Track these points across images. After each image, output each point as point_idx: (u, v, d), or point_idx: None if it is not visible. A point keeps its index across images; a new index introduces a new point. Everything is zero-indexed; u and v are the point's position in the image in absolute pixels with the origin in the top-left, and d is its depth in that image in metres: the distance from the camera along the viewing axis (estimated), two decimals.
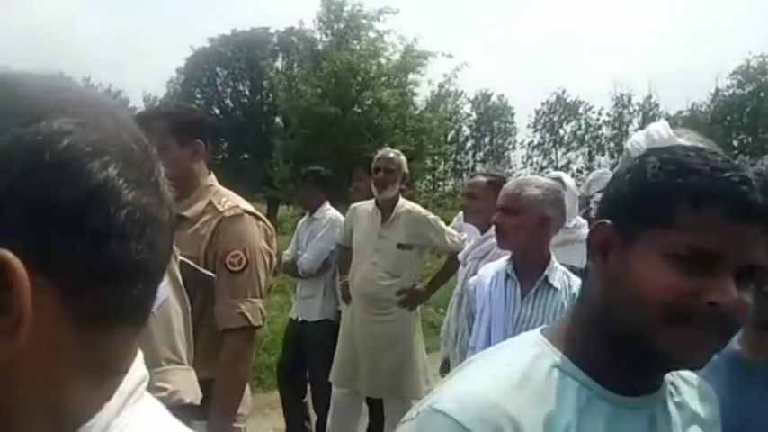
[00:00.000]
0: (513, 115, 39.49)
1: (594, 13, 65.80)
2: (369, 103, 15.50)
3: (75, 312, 0.44)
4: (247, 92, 31.51)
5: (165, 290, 1.47)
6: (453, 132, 32.63)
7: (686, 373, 0.90)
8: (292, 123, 16.83)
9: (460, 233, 3.69)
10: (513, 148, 39.80)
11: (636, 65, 56.46)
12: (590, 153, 37.49)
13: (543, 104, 39.11)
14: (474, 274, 2.89)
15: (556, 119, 38.88)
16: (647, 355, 0.77)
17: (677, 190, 0.74)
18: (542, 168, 37.41)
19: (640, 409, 0.81)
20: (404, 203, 3.65)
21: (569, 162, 37.66)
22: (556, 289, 2.05)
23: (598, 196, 4.16)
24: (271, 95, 26.26)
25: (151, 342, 1.42)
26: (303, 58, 19.18)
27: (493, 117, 39.35)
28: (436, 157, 18.63)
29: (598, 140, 37.36)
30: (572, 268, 3.37)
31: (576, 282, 2.12)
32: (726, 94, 30.15)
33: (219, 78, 31.73)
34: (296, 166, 13.41)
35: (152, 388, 0.53)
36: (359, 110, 15.66)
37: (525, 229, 2.07)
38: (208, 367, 1.83)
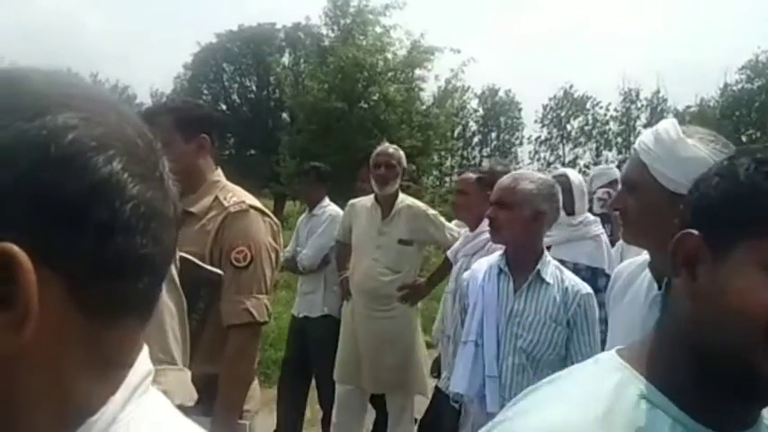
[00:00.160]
0: (520, 110, 39.48)
1: (602, 8, 65.47)
2: (375, 98, 15.49)
3: (80, 305, 0.44)
4: (254, 87, 31.56)
5: None
6: (460, 128, 32.64)
7: None
8: (299, 119, 16.86)
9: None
10: (521, 143, 39.77)
11: (644, 60, 56.15)
12: (597, 148, 37.38)
13: (550, 100, 39.05)
14: (466, 270, 2.94)
15: (563, 114, 38.74)
16: (747, 383, 0.67)
17: None
18: (549, 164, 37.33)
19: None
20: (404, 199, 3.63)
21: (576, 157, 37.60)
22: (548, 283, 2.06)
23: (600, 192, 4.13)
24: (277, 91, 26.30)
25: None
26: (310, 53, 19.20)
27: (500, 112, 39.25)
28: (443, 153, 18.61)
29: (605, 136, 37.22)
30: (576, 266, 3.37)
31: (570, 277, 2.12)
32: (734, 89, 29.98)
33: (226, 74, 31.79)
34: (302, 161, 13.40)
35: None
36: (365, 105, 15.66)
37: (519, 223, 2.07)
38: (213, 363, 1.83)
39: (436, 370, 3.59)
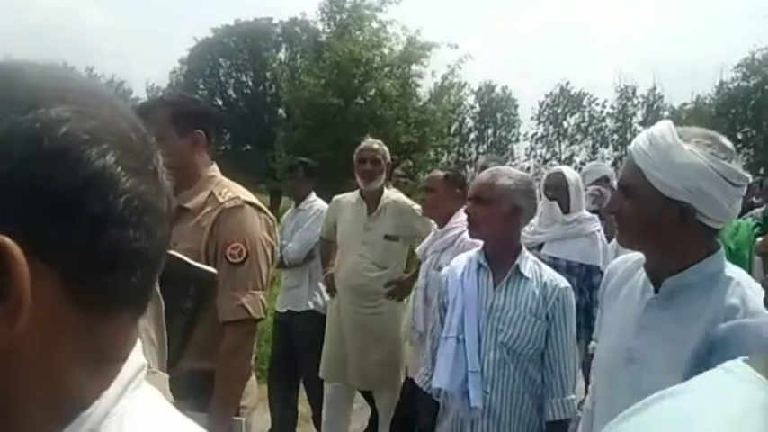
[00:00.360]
0: (516, 107, 39.44)
1: (599, 5, 65.49)
2: (371, 94, 15.47)
3: (74, 298, 0.44)
4: (250, 83, 31.47)
5: None
6: (457, 124, 32.60)
7: None
8: (295, 115, 16.83)
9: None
10: (517, 140, 39.74)
11: (640, 57, 56.19)
12: (593, 145, 37.39)
13: (547, 96, 39.03)
14: (436, 267, 2.97)
15: (560, 111, 38.74)
16: None
17: None
18: (546, 161, 37.36)
19: None
20: (389, 194, 3.61)
21: (573, 154, 37.60)
22: (527, 278, 2.08)
23: (591, 188, 4.14)
24: (274, 86, 26.25)
25: None
26: (306, 48, 19.16)
27: (496, 109, 39.23)
28: (439, 149, 18.56)
29: (602, 133, 37.25)
30: (569, 263, 3.38)
31: (548, 271, 2.14)
32: (730, 86, 29.99)
33: (222, 69, 31.69)
34: (298, 157, 13.42)
35: None
36: (361, 101, 15.64)
37: (497, 218, 2.09)
38: (209, 359, 1.83)
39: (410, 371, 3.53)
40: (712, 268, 1.38)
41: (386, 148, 3.62)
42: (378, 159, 3.53)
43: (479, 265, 2.14)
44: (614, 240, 3.30)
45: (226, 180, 2.07)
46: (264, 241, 1.98)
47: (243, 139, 28.57)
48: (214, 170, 2.07)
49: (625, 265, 1.62)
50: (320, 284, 3.97)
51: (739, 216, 3.90)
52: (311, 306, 4.01)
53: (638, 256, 1.56)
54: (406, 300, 3.71)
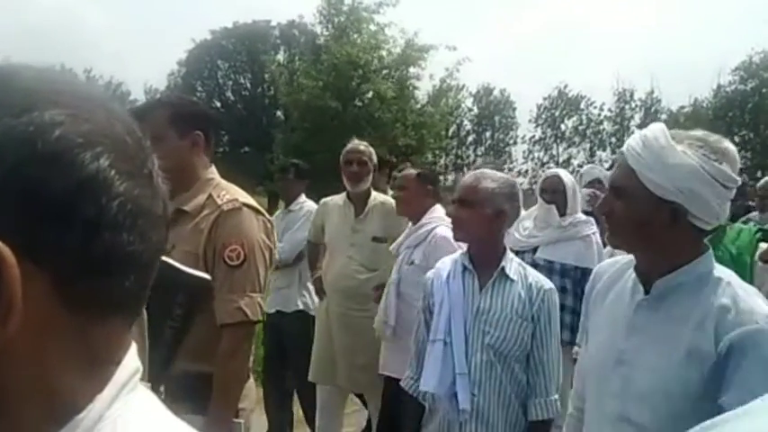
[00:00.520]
0: (514, 110, 39.47)
1: (597, 8, 65.63)
2: (369, 96, 15.49)
3: (66, 301, 0.44)
4: (248, 85, 31.51)
5: None
6: (455, 127, 32.70)
7: None
8: (293, 117, 16.85)
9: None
10: (515, 142, 39.77)
11: (638, 60, 56.23)
12: (591, 148, 37.43)
13: (545, 99, 39.04)
14: (409, 262, 3.05)
15: (557, 114, 38.78)
16: None
17: None
18: (543, 164, 37.39)
19: None
20: (376, 196, 3.59)
21: (570, 157, 37.65)
22: (513, 280, 2.10)
23: (585, 191, 4.15)
24: (272, 88, 26.25)
25: None
26: (304, 51, 19.18)
27: (494, 111, 39.26)
28: (437, 152, 18.63)
29: (599, 136, 37.30)
30: (564, 266, 3.37)
31: (533, 273, 2.16)
32: (728, 89, 30.10)
33: (221, 71, 31.74)
34: (296, 159, 13.42)
35: None
36: (359, 103, 15.66)
37: (481, 221, 2.11)
38: (206, 362, 1.82)
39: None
40: (702, 269, 1.39)
41: (372, 150, 3.61)
42: (364, 161, 3.51)
43: (464, 268, 2.15)
44: None
45: (224, 182, 2.06)
46: (262, 244, 1.98)
47: (241, 141, 28.59)
48: (213, 172, 2.07)
49: (613, 267, 1.61)
50: (309, 285, 3.97)
51: (738, 219, 3.91)
52: (300, 306, 4.01)
53: (627, 258, 1.56)
54: None
